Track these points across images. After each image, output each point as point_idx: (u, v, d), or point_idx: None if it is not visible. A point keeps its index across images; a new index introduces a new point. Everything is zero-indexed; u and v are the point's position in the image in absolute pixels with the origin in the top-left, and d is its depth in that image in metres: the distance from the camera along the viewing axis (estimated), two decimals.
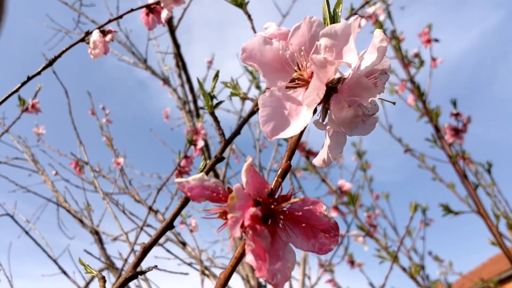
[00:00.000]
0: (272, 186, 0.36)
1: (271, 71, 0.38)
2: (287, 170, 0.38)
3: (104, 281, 0.63)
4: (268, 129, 0.37)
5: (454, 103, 1.64)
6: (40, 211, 2.55)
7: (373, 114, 0.43)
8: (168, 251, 2.04)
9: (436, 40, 2.06)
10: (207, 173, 0.74)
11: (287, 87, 0.39)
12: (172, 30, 2.40)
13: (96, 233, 2.39)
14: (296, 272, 2.61)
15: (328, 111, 0.40)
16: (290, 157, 0.39)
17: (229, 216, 0.30)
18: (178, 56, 2.50)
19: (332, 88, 0.39)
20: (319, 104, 0.40)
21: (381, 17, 1.54)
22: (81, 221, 2.44)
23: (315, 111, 0.40)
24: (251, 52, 0.38)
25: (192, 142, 1.39)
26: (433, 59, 2.10)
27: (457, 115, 1.62)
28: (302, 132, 0.40)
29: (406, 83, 1.95)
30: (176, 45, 2.45)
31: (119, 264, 2.34)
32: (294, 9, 2.94)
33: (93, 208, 2.44)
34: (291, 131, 0.37)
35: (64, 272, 2.14)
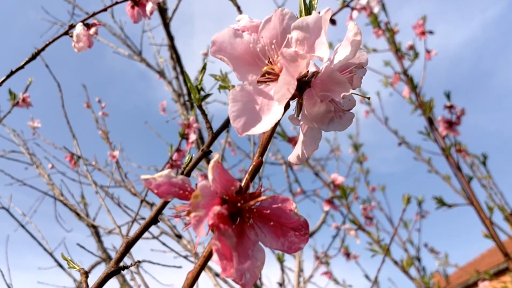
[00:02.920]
0: (242, 184, 0.35)
1: (241, 64, 0.37)
2: (258, 166, 0.37)
3: (87, 276, 0.62)
4: (239, 124, 0.36)
5: (447, 96, 1.62)
6: (37, 204, 2.55)
7: (349, 109, 0.42)
8: (163, 244, 2.04)
9: (431, 32, 2.03)
10: (193, 167, 0.74)
11: (258, 82, 0.38)
12: (166, 22, 2.38)
13: (93, 226, 2.39)
14: (292, 264, 2.62)
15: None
16: (262, 153, 0.38)
17: (192, 215, 0.30)
18: (172, 48, 2.48)
19: (306, 83, 0.38)
20: (293, 98, 0.39)
21: (376, 9, 1.52)
22: (77, 214, 2.44)
23: (288, 106, 0.39)
24: (221, 45, 0.37)
25: (184, 136, 1.38)
26: (428, 52, 2.07)
27: (450, 107, 1.60)
28: (275, 128, 0.39)
29: (400, 75, 1.93)
30: (170, 37, 2.43)
31: None
32: (289, 0, 2.90)
33: (90, 201, 2.44)
34: (262, 127, 0.36)
35: (60, 265, 2.15)
